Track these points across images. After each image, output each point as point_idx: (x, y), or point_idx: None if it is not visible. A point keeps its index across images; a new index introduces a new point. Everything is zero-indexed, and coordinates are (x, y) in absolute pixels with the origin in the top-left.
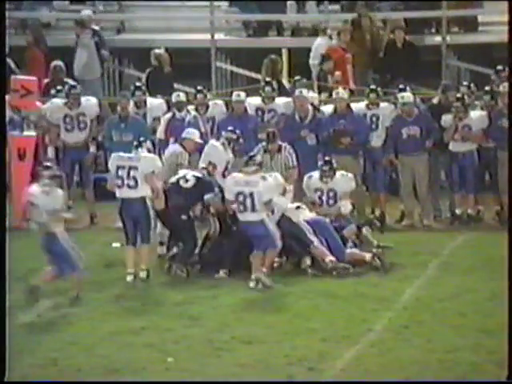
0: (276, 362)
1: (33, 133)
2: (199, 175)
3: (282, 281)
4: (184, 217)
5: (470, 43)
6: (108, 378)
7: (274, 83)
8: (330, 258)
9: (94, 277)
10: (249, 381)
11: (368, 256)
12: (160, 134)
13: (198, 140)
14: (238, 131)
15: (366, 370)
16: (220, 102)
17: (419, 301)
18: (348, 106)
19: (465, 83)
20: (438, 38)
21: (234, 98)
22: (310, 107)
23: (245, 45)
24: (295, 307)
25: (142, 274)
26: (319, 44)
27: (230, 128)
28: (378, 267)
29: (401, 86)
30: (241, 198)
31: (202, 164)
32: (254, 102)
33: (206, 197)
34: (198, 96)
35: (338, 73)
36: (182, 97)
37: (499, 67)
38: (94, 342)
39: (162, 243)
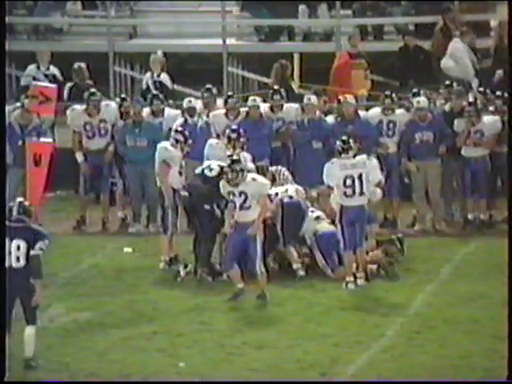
0: (288, 367)
1: (49, 139)
2: (223, 165)
3: (293, 285)
4: (207, 206)
5: (482, 47)
6: (120, 383)
7: (283, 90)
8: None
9: (105, 282)
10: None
11: (374, 267)
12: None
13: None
14: (237, 127)
15: (377, 375)
16: (268, 111)
17: (431, 306)
18: (355, 111)
19: (480, 88)
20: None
21: (249, 102)
22: (319, 113)
23: (256, 50)
24: (307, 312)
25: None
26: None
27: (233, 127)
28: (383, 276)
29: (414, 91)
30: (349, 182)
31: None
32: (263, 110)
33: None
34: (229, 101)
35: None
36: (194, 102)
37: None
38: (106, 346)
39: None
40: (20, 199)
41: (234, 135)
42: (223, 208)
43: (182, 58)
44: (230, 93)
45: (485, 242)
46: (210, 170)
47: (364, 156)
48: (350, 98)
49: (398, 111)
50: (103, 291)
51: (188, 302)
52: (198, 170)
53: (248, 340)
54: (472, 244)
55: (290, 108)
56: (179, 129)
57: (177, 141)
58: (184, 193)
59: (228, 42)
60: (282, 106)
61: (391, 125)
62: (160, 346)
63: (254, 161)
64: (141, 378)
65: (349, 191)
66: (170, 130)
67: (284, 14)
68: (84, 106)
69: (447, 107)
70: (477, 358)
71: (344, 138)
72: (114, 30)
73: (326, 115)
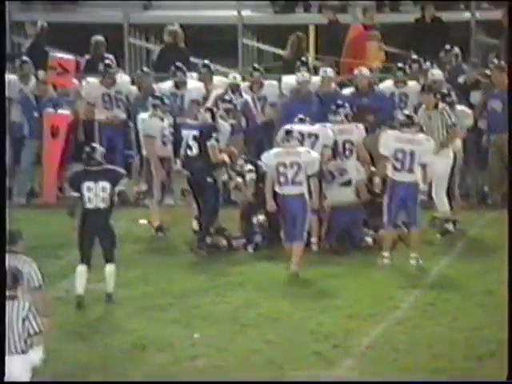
0: (302, 338)
1: (67, 111)
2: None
3: (308, 258)
4: (210, 179)
5: (500, 19)
6: (135, 354)
7: (310, 62)
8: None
9: (121, 253)
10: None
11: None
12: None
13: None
14: (230, 98)
15: (392, 347)
16: (275, 83)
17: (446, 279)
18: (370, 83)
19: (495, 60)
20: (467, 14)
21: (321, 73)
22: (334, 85)
23: (272, 21)
24: (321, 284)
25: None
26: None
27: (226, 98)
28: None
29: (428, 63)
30: (399, 155)
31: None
32: (290, 81)
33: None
34: (255, 74)
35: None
36: (238, 79)
37: None
38: (122, 317)
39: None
40: (95, 145)
41: (230, 106)
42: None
43: (197, 29)
44: (255, 65)
45: (500, 214)
46: (190, 148)
47: (423, 135)
48: (365, 70)
49: (411, 83)
50: (118, 263)
51: (203, 273)
52: (182, 152)
53: (262, 312)
54: (487, 216)
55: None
56: (156, 93)
57: (154, 106)
58: (185, 172)
59: (243, 13)
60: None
61: (403, 97)
62: (175, 318)
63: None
64: (156, 349)
65: (398, 165)
66: (193, 101)
67: None
68: (99, 78)
69: (461, 79)
70: (491, 330)
71: (407, 112)
72: (128, 2)
73: (340, 87)
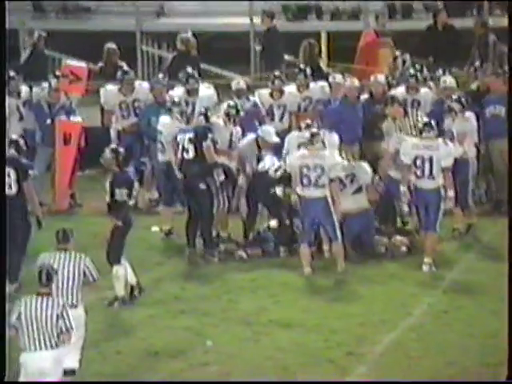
0: (315, 345)
1: (79, 118)
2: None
3: (319, 265)
4: (202, 186)
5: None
6: (147, 361)
7: (308, 69)
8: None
9: (133, 260)
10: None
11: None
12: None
13: (275, 140)
14: (235, 103)
15: (405, 354)
16: (294, 91)
17: (459, 285)
18: (384, 90)
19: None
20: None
21: (348, 83)
22: (343, 92)
23: (284, 28)
24: (334, 291)
25: None
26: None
27: (231, 103)
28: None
29: (440, 70)
30: (419, 162)
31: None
32: (290, 89)
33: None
34: (276, 82)
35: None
36: (242, 84)
37: None
38: (134, 324)
39: None
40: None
41: (232, 111)
42: (218, 186)
43: (209, 36)
44: (276, 73)
45: None
46: (187, 151)
47: (441, 140)
48: (380, 77)
49: (423, 90)
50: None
51: (214, 280)
52: (179, 155)
53: (275, 319)
54: (501, 223)
55: (316, 86)
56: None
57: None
58: (179, 174)
59: (255, 20)
60: (307, 85)
61: (415, 104)
62: (187, 325)
63: (340, 144)
64: (168, 355)
65: (418, 172)
66: (205, 109)
67: None
68: (118, 86)
69: (474, 86)
70: (504, 338)
71: (426, 118)
72: (141, 9)
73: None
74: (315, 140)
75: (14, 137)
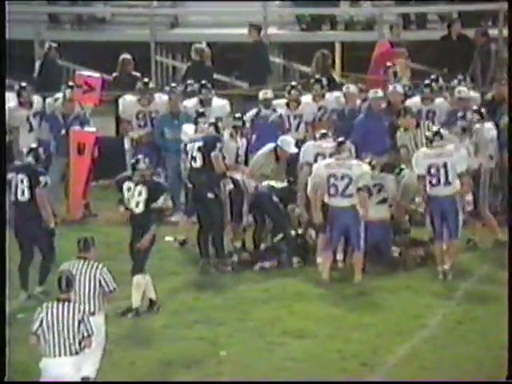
0: (328, 356)
1: (93, 128)
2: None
3: (334, 276)
4: (210, 195)
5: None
6: (161, 371)
7: (324, 79)
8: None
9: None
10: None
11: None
12: (245, 130)
13: (293, 151)
14: (240, 115)
15: (420, 365)
16: (310, 101)
17: (474, 296)
18: (402, 101)
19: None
20: (494, 32)
21: (371, 94)
22: (359, 102)
23: (298, 39)
24: (348, 302)
25: None
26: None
27: (237, 115)
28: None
29: (456, 81)
30: (433, 171)
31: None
32: (306, 99)
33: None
34: (293, 92)
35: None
36: (270, 94)
37: None
38: (148, 335)
39: None
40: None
41: (239, 123)
42: (225, 195)
43: (223, 47)
44: (293, 83)
45: None
46: (195, 160)
47: (452, 145)
48: (399, 87)
49: (438, 100)
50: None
51: (228, 291)
52: (187, 164)
53: (288, 329)
54: None
55: (331, 97)
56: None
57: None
58: (188, 184)
59: (269, 31)
60: (323, 94)
61: (430, 114)
62: (201, 335)
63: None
64: (182, 366)
65: (434, 180)
66: (217, 119)
67: (326, 2)
68: (137, 96)
69: (489, 96)
70: None
71: (435, 127)
72: (155, 20)
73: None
74: (342, 149)
75: (34, 145)
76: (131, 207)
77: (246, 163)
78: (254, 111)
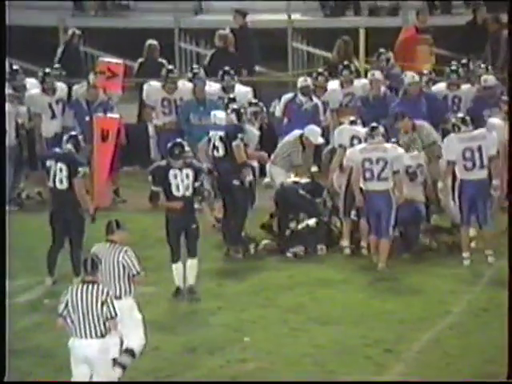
0: (352, 343)
1: (116, 115)
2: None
3: (358, 263)
4: (236, 182)
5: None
6: (185, 357)
7: (353, 65)
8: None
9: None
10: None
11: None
12: (278, 112)
13: (319, 141)
14: (257, 100)
15: (444, 352)
16: (337, 87)
17: (499, 283)
18: (421, 88)
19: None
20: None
21: (409, 79)
22: (384, 89)
23: (322, 25)
24: (371, 288)
25: None
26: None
27: (253, 100)
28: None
29: (481, 69)
30: (468, 155)
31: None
32: (332, 86)
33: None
34: (319, 78)
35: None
36: (309, 82)
37: None
38: (172, 321)
39: None
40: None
41: (257, 109)
42: (251, 181)
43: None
44: (320, 69)
45: None
46: (217, 149)
47: (484, 129)
48: (416, 76)
49: (464, 86)
50: (168, 266)
51: (252, 277)
52: (210, 153)
53: (312, 316)
54: None
55: (359, 83)
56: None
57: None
58: (214, 172)
59: (293, 17)
60: (351, 80)
61: (456, 100)
62: (225, 321)
63: None
64: (205, 352)
65: (469, 164)
66: (238, 107)
67: None
68: (162, 83)
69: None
70: None
71: (460, 114)
72: (179, 6)
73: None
74: (375, 133)
75: (74, 132)
76: (182, 193)
77: (273, 147)
78: (290, 95)
